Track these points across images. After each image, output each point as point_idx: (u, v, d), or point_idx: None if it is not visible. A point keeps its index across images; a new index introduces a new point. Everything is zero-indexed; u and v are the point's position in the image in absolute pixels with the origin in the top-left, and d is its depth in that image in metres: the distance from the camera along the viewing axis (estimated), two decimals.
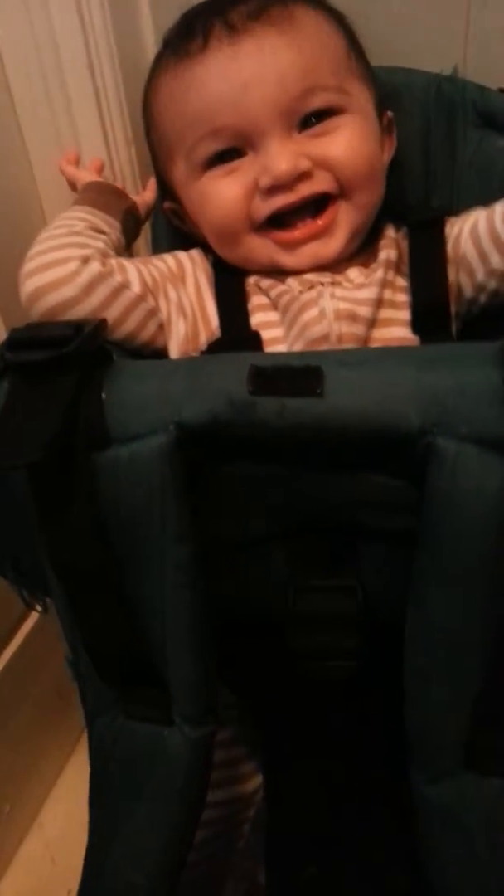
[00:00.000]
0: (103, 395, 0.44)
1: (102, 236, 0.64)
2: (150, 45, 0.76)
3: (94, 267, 0.59)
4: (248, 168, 0.62)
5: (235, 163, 0.62)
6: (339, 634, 0.50)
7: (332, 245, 0.63)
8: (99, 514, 0.44)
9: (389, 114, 0.69)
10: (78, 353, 0.43)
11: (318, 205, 0.62)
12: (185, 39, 0.62)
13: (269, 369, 0.43)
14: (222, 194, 0.62)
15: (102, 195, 0.70)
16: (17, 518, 0.47)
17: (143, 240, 0.78)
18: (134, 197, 0.73)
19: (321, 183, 0.61)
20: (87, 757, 0.97)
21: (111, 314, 0.60)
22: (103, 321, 0.46)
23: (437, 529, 0.43)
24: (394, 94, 0.71)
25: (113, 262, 0.62)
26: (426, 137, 0.73)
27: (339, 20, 0.65)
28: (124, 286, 0.61)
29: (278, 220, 0.62)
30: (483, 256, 0.61)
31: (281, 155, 0.60)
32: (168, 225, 0.74)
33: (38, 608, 0.56)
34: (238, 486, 0.46)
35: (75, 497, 0.44)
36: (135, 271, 0.63)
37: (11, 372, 0.43)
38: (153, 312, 0.63)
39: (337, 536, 0.48)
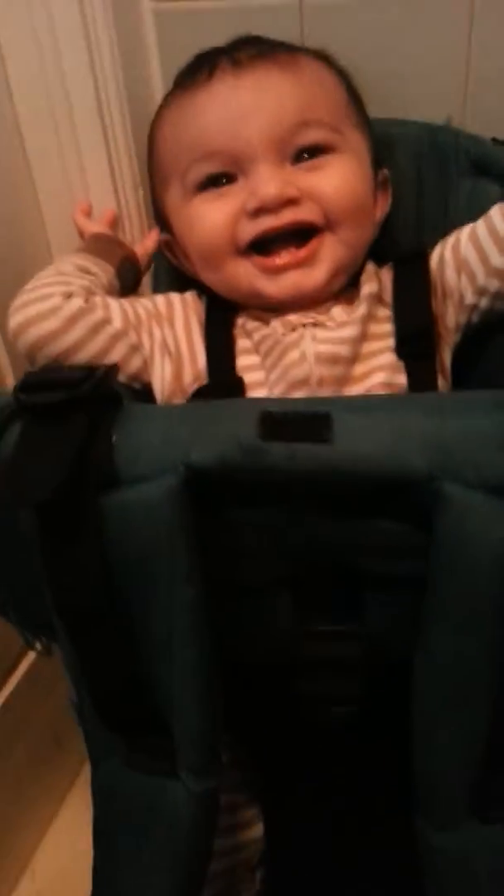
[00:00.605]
0: (113, 438, 0.44)
1: (90, 276, 0.66)
2: (159, 91, 0.78)
3: (76, 302, 0.62)
4: (238, 193, 0.63)
5: (226, 188, 0.64)
6: (344, 679, 0.49)
7: (314, 276, 0.63)
8: (106, 555, 0.44)
9: (385, 171, 0.71)
10: (89, 396, 0.43)
11: (304, 236, 0.63)
12: (192, 74, 0.65)
13: (279, 415, 0.43)
14: (210, 216, 0.64)
15: (101, 244, 0.73)
16: (22, 559, 0.47)
17: (146, 281, 0.79)
18: (135, 247, 0.75)
19: (307, 212, 0.62)
20: (82, 802, 0.95)
21: (93, 347, 0.62)
22: (115, 366, 0.47)
23: (445, 574, 0.43)
24: (387, 143, 0.73)
25: (97, 299, 0.64)
26: (419, 186, 0.75)
27: (342, 75, 0.68)
28: (106, 322, 0.63)
29: (262, 247, 0.63)
30: (483, 257, 0.63)
31: (270, 179, 0.61)
32: (168, 267, 0.75)
33: (40, 650, 0.56)
34: (245, 530, 0.46)
35: (82, 538, 0.44)
36: (118, 308, 0.64)
37: (24, 413, 0.43)
38: (136, 347, 0.64)
39: (342, 581, 0.48)
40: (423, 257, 0.67)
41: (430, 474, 0.41)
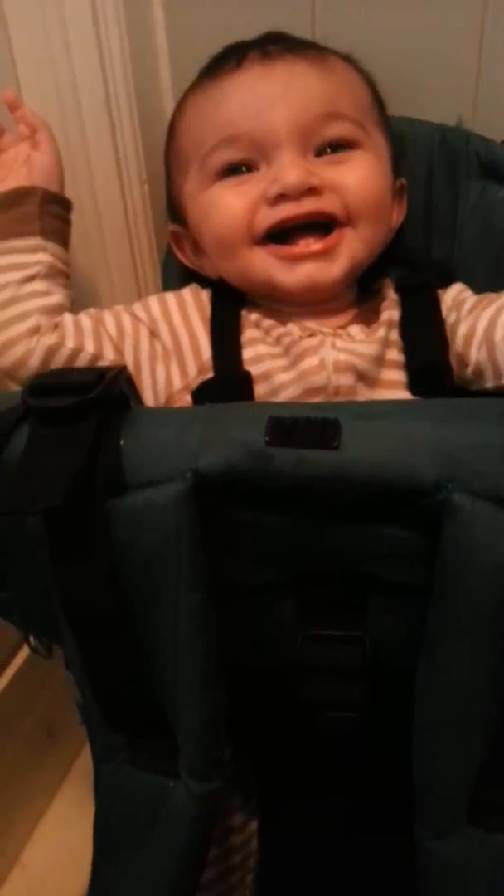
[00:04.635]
0: (121, 442, 0.44)
1: (32, 285, 0.64)
2: (167, 85, 0.78)
3: (44, 342, 0.63)
4: (258, 181, 0.62)
5: (246, 175, 0.63)
6: (346, 685, 0.49)
7: (332, 270, 0.62)
8: (113, 559, 0.44)
9: (403, 180, 0.71)
10: (99, 400, 0.43)
11: (324, 229, 0.63)
12: (219, 63, 0.65)
13: (287, 420, 0.43)
14: (228, 203, 0.63)
15: (6, 214, 0.65)
16: (29, 563, 0.47)
17: (154, 272, 0.78)
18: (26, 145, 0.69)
19: (328, 203, 0.61)
20: (73, 796, 0.96)
21: None
22: (124, 368, 0.46)
23: (452, 583, 0.43)
24: (399, 141, 0.72)
25: (69, 323, 0.64)
26: (429, 186, 0.74)
27: (368, 79, 0.68)
28: (77, 351, 0.63)
29: (281, 237, 0.63)
30: (497, 371, 0.60)
31: (293, 166, 0.61)
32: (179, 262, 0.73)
33: (42, 652, 0.55)
34: (251, 534, 0.46)
35: (90, 542, 0.44)
36: (90, 330, 0.64)
37: (32, 417, 0.43)
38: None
39: (347, 586, 0.48)
40: (432, 291, 0.66)
41: (437, 483, 0.41)
